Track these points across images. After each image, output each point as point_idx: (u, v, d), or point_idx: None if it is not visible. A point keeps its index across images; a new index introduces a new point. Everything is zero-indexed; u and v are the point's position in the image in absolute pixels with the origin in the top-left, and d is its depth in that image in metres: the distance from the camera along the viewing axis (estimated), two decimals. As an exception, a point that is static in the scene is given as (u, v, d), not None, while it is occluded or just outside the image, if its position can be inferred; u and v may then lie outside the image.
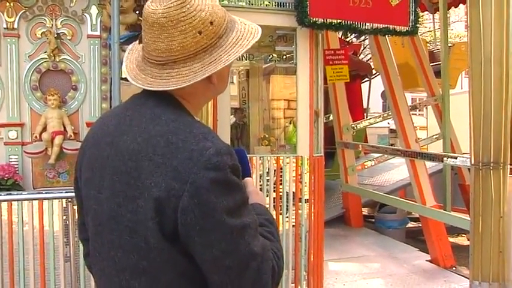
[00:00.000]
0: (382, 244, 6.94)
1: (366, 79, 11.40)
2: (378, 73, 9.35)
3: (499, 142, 4.39)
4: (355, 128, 8.13)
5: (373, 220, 8.29)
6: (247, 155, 1.63)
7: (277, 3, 4.75)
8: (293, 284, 4.66)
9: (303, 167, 4.67)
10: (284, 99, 6.93)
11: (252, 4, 4.74)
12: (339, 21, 4.72)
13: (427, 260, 6.19)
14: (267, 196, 4.52)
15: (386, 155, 8.33)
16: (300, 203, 4.65)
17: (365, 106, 11.48)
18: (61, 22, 4.37)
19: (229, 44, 1.39)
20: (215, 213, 1.21)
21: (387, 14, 4.96)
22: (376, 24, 4.89)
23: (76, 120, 4.44)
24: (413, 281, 5.50)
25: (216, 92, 1.50)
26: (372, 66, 10.97)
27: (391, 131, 12.91)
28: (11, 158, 4.30)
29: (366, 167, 8.99)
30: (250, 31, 1.45)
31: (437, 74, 7.87)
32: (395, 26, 4.99)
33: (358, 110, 10.22)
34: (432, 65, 8.21)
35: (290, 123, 6.61)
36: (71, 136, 4.31)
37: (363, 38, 12.91)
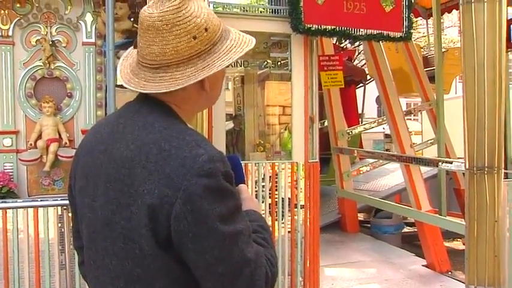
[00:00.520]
0: (378, 249, 6.95)
1: (361, 85, 11.44)
2: (372, 78, 9.38)
3: (493, 146, 4.41)
4: (350, 133, 8.14)
5: (368, 225, 8.30)
6: (241, 162, 1.65)
7: (272, 10, 4.77)
8: (289, 290, 4.66)
9: (299, 173, 4.68)
10: (279, 106, 6.94)
11: (247, 11, 4.77)
12: (333, 27, 4.74)
13: (423, 265, 6.19)
14: (263, 202, 4.52)
15: (381, 160, 8.35)
16: (296, 209, 4.65)
17: (360, 111, 11.51)
18: (56, 29, 4.37)
19: (223, 51, 1.40)
20: (208, 220, 1.21)
21: (381, 20, 4.98)
22: (370, 30, 4.92)
23: (71, 127, 4.44)
24: (409, 286, 5.50)
25: (209, 100, 1.51)
26: (367, 72, 11.01)
27: (386, 136, 12.95)
28: (6, 166, 4.29)
29: (361, 172, 9.02)
30: (245, 40, 1.46)
31: (432, 79, 7.89)
32: (389, 32, 5.01)
33: (353, 116, 10.25)
34: (426, 70, 8.24)
35: (285, 129, 6.62)
36: (66, 143, 4.31)
37: (357, 43, 12.95)
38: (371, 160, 9.06)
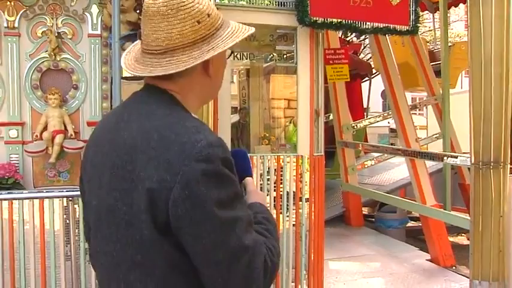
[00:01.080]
0: (382, 243, 6.95)
1: (366, 78, 11.40)
2: (378, 72, 9.35)
3: (499, 141, 4.39)
4: (355, 127, 8.13)
5: (373, 219, 8.30)
6: (249, 155, 1.67)
7: (278, 2, 4.75)
8: (293, 283, 4.67)
9: (304, 166, 4.68)
10: (284, 99, 6.92)
11: (253, 3, 4.75)
12: (339, 20, 4.72)
13: (427, 259, 6.19)
14: (268, 195, 4.52)
15: (386, 155, 8.34)
16: (301, 202, 4.65)
17: (365, 105, 11.48)
18: (62, 21, 4.37)
19: (226, 35, 1.44)
20: (205, 205, 1.23)
21: (388, 13, 4.96)
22: (377, 24, 4.90)
23: (77, 119, 4.44)
24: (414, 280, 5.50)
25: (213, 88, 1.53)
26: (372, 66, 10.97)
27: (391, 130, 12.92)
28: (12, 157, 4.29)
29: (366, 166, 9.01)
30: (245, 27, 1.51)
31: (438, 73, 7.87)
32: (396, 26, 4.99)
33: (358, 110, 10.22)
34: (432, 65, 8.21)
35: (290, 122, 6.61)
36: (71, 135, 4.31)
37: (363, 37, 12.90)
38: (376, 154, 9.05)
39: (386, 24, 4.93)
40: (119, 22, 3.91)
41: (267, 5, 4.78)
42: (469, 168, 5.25)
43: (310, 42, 4.76)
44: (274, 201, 4.56)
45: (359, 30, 5.00)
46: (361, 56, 14.91)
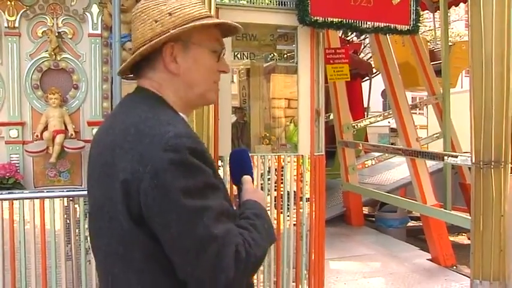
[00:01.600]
0: (383, 243, 6.95)
1: (367, 78, 11.40)
2: (378, 72, 9.35)
3: (500, 141, 4.39)
4: (355, 127, 8.13)
5: (373, 219, 8.30)
6: (250, 155, 1.69)
7: (278, 2, 4.74)
8: (294, 283, 4.67)
9: (304, 166, 4.67)
10: (285, 98, 6.92)
11: (253, 3, 4.74)
12: (339, 20, 4.71)
13: (427, 259, 6.19)
14: (268, 195, 4.52)
15: (386, 154, 8.34)
16: (301, 202, 4.65)
17: (365, 105, 11.48)
18: (62, 21, 4.36)
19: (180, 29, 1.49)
20: (171, 194, 1.26)
21: (388, 12, 4.95)
22: (377, 23, 4.89)
23: (77, 119, 4.43)
24: (414, 280, 5.50)
25: (187, 87, 1.51)
26: (373, 65, 10.97)
27: (392, 130, 12.93)
28: (12, 157, 4.29)
29: (367, 166, 9.01)
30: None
31: (438, 73, 7.87)
32: (396, 25, 4.98)
33: (358, 109, 10.22)
34: (433, 64, 8.21)
35: (291, 122, 6.61)
36: (72, 135, 4.31)
37: (363, 36, 12.90)
38: (376, 154, 9.05)
39: (387, 24, 4.92)
40: (119, 22, 3.91)
41: (267, 4, 4.78)
42: (469, 168, 5.25)
43: (310, 42, 4.75)
44: (275, 201, 4.56)
45: (359, 29, 4.99)
46: (362, 55, 14.90)
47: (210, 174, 1.34)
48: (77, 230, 3.81)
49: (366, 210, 8.92)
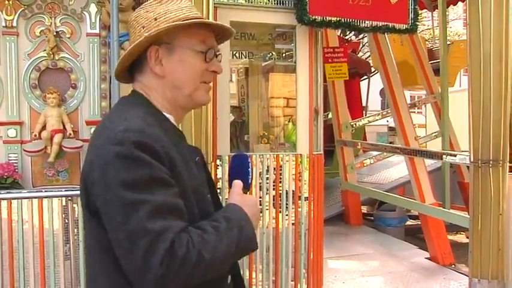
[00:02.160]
0: (382, 242, 6.95)
1: (365, 77, 11.40)
2: (376, 71, 9.35)
3: (498, 140, 4.40)
4: (354, 126, 8.13)
5: (372, 218, 8.31)
6: (249, 162, 1.66)
7: (277, 1, 4.74)
8: (293, 282, 4.67)
9: (303, 165, 4.68)
10: (283, 98, 6.91)
11: (251, 2, 4.74)
12: (338, 19, 4.71)
13: (426, 258, 6.19)
14: (267, 194, 4.52)
15: (385, 153, 8.34)
16: (300, 201, 4.65)
17: (364, 104, 11.48)
18: (60, 20, 4.36)
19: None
20: (112, 186, 1.29)
21: (386, 11, 4.95)
22: (376, 22, 4.89)
23: (75, 118, 4.43)
24: (413, 279, 5.50)
25: (174, 89, 1.55)
26: (371, 64, 10.97)
27: (390, 128, 12.93)
28: (10, 157, 4.28)
29: (365, 164, 9.02)
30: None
31: (436, 71, 7.88)
32: (395, 24, 4.98)
33: (357, 108, 10.23)
34: (431, 63, 8.21)
35: (289, 121, 6.60)
36: (70, 134, 4.30)
37: (361, 35, 12.90)
38: (375, 153, 9.05)
39: (385, 23, 4.92)
40: (117, 21, 3.91)
41: (265, 3, 4.78)
42: (468, 167, 5.25)
43: (309, 41, 4.75)
44: (274, 200, 4.56)
45: (358, 28, 4.99)
46: (360, 54, 14.90)
47: (159, 168, 1.33)
48: (75, 230, 3.81)
49: (364, 209, 8.92)
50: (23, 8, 4.27)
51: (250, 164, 1.65)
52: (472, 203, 4.55)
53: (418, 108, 12.17)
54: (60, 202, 3.75)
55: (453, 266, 5.98)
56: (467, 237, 5.01)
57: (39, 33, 4.31)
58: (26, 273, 3.66)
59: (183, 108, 1.62)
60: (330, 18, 4.68)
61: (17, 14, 4.25)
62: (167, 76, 1.53)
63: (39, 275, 3.68)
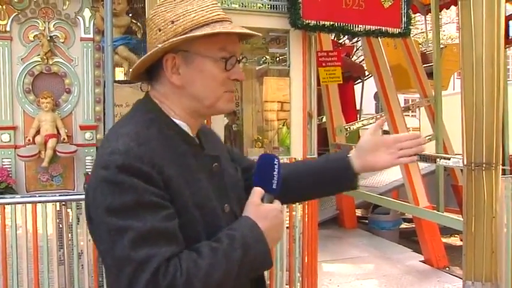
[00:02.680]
0: (376, 245, 6.97)
1: (359, 81, 11.43)
2: (370, 75, 9.38)
3: (491, 143, 4.41)
4: (348, 129, 8.14)
5: (366, 221, 8.32)
6: (276, 164, 1.47)
7: (271, 5, 4.76)
8: (287, 286, 4.66)
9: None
10: (277, 101, 6.93)
11: (245, 6, 4.76)
12: (331, 23, 4.74)
13: (420, 261, 6.21)
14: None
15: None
16: (294, 205, 4.65)
17: (358, 108, 11.50)
18: (54, 25, 4.36)
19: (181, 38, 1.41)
20: (99, 210, 1.27)
21: (380, 15, 4.98)
22: (369, 26, 4.92)
23: (69, 123, 4.43)
24: (407, 282, 5.52)
25: (194, 99, 1.44)
26: (365, 68, 11.00)
27: (384, 132, 12.93)
28: (4, 162, 4.28)
29: (360, 168, 8.98)
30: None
31: (430, 75, 7.90)
32: (388, 28, 5.02)
33: (351, 112, 10.25)
34: (424, 66, 8.24)
35: (283, 125, 6.61)
36: (64, 139, 4.31)
37: (355, 39, 12.94)
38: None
39: (379, 27, 4.95)
40: (111, 26, 3.91)
41: (259, 8, 4.80)
42: (461, 170, 5.27)
43: (302, 45, 4.78)
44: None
45: (351, 32, 5.02)
46: (354, 58, 14.95)
47: (146, 191, 1.26)
48: (69, 235, 3.79)
49: (359, 212, 8.94)
50: (16, 13, 4.27)
51: (277, 166, 1.47)
52: (466, 206, 4.56)
53: (412, 112, 12.18)
54: (54, 207, 3.74)
55: (447, 268, 6.00)
56: (461, 240, 5.02)
57: (33, 37, 4.32)
58: (20, 279, 3.64)
59: (203, 116, 1.53)
60: (323, 23, 4.71)
61: (10, 19, 4.26)
62: (186, 87, 1.42)
63: (33, 281, 3.66)
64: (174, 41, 1.37)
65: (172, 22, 1.39)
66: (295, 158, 4.67)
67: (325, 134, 8.03)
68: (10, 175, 4.24)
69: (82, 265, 3.76)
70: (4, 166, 4.25)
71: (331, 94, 7.75)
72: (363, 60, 12.94)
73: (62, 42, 4.38)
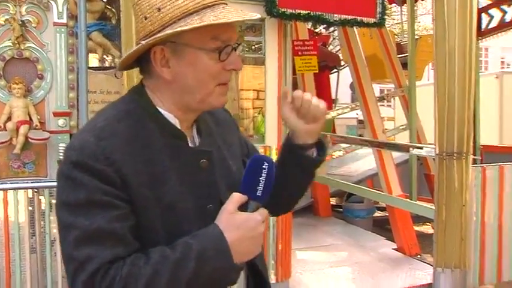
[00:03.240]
0: (350, 233, 7.04)
1: (335, 70, 11.47)
2: (346, 64, 9.43)
3: (463, 133, 4.50)
4: (323, 118, 8.16)
5: (341, 210, 8.39)
6: (264, 169, 1.31)
7: (246, -7, 4.73)
8: (261, 273, 4.70)
9: (271, 157, 4.69)
10: (253, 90, 6.94)
11: (221, -6, 4.73)
12: (307, 12, 4.74)
13: (393, 249, 6.29)
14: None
15: (354, 145, 8.42)
16: (268, 193, 4.67)
17: (334, 97, 11.56)
18: (26, 9, 4.28)
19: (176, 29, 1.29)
20: (57, 204, 1.29)
21: (355, 5, 5.00)
22: (345, 16, 4.93)
23: (42, 109, 4.37)
24: (379, 269, 5.59)
25: (183, 92, 1.35)
26: (341, 58, 11.04)
27: (360, 121, 13.05)
28: (-25, 148, 4.21)
29: (334, 157, 9.08)
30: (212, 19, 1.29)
31: (405, 65, 7.97)
32: (363, 18, 5.03)
33: (326, 101, 10.06)
34: (399, 57, 8.31)
35: (259, 113, 6.63)
36: (36, 126, 4.24)
37: (332, 29, 12.97)
38: (344, 145, 9.13)
39: (354, 17, 4.97)
40: (85, 11, 3.87)
41: (235, -5, 4.76)
42: (434, 159, 5.34)
43: (278, 34, 4.77)
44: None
45: (327, 22, 5.03)
46: (330, 47, 14.99)
47: (98, 190, 1.22)
48: (42, 222, 3.76)
49: (333, 201, 9.01)
50: (-14, -4, 4.18)
51: (267, 170, 1.30)
52: (437, 195, 4.64)
53: (387, 102, 12.30)
54: (26, 194, 3.71)
55: (419, 256, 6.09)
56: (433, 228, 5.11)
57: (4, 21, 4.23)
58: (-9, 267, 3.61)
59: (195, 111, 1.42)
60: (299, 11, 4.70)
61: (-20, 3, 4.17)
62: (176, 80, 1.33)
63: (4, 269, 3.63)
64: (159, 37, 1.28)
65: (159, 10, 1.29)
66: (269, 147, 4.68)
67: (301, 123, 8.05)
68: (-19, 162, 4.18)
69: (55, 253, 3.74)
70: (-25, 153, 4.19)
71: (306, 83, 7.76)
72: (339, 50, 13.01)
73: (34, 27, 4.31)
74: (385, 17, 5.22)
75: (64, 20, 4.36)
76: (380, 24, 5.15)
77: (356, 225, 7.41)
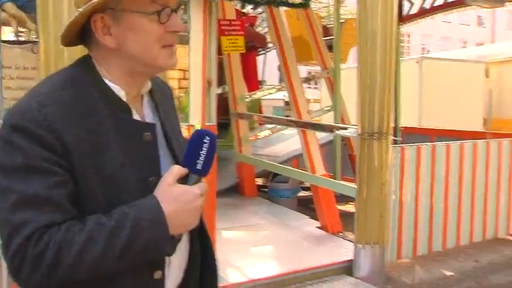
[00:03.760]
0: (275, 212, 7.13)
1: (262, 51, 11.51)
2: (274, 46, 9.47)
3: (382, 114, 4.64)
4: (249, 97, 8.18)
5: (266, 190, 8.48)
6: (206, 143, 1.31)
7: (171, -31, 4.62)
8: (186, 253, 4.67)
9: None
10: (179, 69, 6.84)
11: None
12: (233, -10, 4.71)
13: (317, 227, 6.43)
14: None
15: (280, 126, 8.49)
16: (192, 172, 4.63)
17: (261, 78, 11.61)
18: None
19: None
20: None
21: (281, -15, 5.02)
22: (271, -4, 4.94)
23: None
24: (304, 247, 5.71)
25: (130, 59, 1.34)
26: (268, 39, 11.08)
27: (286, 103, 13.20)
28: None
29: (260, 137, 9.13)
30: None
31: (330, 48, 8.08)
32: (289, -2, 5.06)
33: (253, 81, 10.30)
34: (325, 39, 8.40)
35: (185, 93, 6.56)
36: None
37: (259, 9, 12.99)
38: (270, 126, 9.20)
39: (280, -4, 4.99)
40: (-3, -19, 3.65)
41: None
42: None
43: (203, 12, 4.70)
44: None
45: (253, 1, 5.02)
46: (258, 29, 15.01)
47: (37, 155, 1.20)
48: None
49: (259, 181, 9.09)
50: None
51: (208, 144, 1.32)
52: (359, 174, 4.79)
53: (315, 84, 12.48)
54: None
55: (341, 234, 6.27)
56: (355, 207, 5.26)
57: None
58: None
59: (145, 76, 1.41)
60: (225, -11, 4.66)
61: None
62: (120, 47, 1.31)
63: None
64: (96, 2, 1.24)
65: None
66: (193, 125, 4.63)
67: (227, 104, 8.04)
68: None
69: None
70: None
71: (233, 63, 7.75)
72: (267, 32, 13.04)
73: None
74: (311, -2, 5.26)
75: (-25, -10, 4.11)
76: (305, 5, 5.22)
77: (281, 205, 7.51)
